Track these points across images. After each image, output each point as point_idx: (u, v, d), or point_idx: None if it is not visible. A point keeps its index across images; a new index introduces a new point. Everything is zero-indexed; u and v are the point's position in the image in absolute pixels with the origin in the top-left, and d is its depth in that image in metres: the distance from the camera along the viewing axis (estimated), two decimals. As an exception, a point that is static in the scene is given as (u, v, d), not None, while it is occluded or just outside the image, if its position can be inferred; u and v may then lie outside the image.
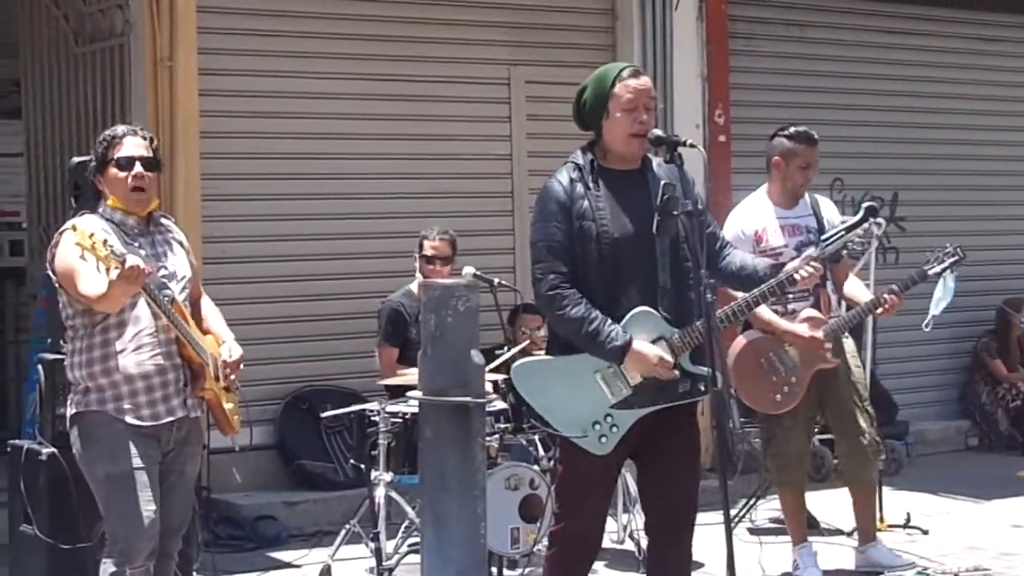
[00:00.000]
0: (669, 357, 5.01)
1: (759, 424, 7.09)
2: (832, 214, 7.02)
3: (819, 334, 6.73)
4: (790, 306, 6.78)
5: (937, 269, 6.93)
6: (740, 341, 6.89)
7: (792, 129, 6.96)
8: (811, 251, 5.40)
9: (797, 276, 5.19)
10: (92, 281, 4.91)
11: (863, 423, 6.94)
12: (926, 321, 7.25)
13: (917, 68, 11.47)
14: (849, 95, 10.95)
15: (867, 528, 7.13)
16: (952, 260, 6.92)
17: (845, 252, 5.92)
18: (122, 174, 5.16)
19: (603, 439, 5.06)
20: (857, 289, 7.05)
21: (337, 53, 9.14)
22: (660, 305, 5.06)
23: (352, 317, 8.96)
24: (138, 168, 5.16)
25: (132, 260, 4.74)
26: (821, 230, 6.83)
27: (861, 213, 5.95)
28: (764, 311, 6.67)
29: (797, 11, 10.95)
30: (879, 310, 6.79)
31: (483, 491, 3.77)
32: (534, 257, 5.11)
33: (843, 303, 7.05)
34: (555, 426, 5.10)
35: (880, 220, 6.96)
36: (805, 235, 6.81)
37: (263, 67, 8.90)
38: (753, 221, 6.85)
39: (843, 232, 5.72)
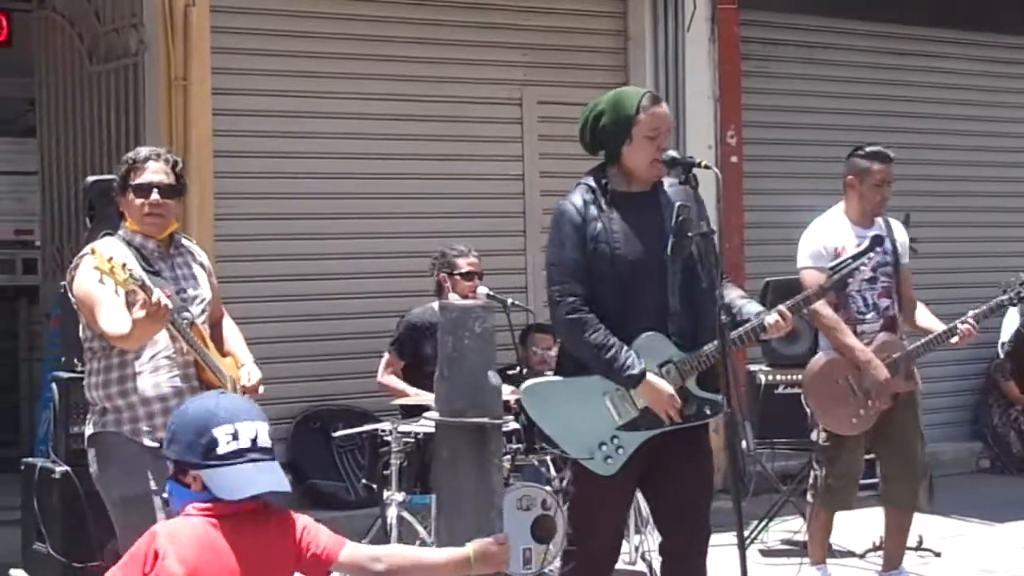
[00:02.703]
0: (676, 406, 5.03)
1: (821, 443, 6.96)
2: (904, 237, 7.03)
3: (887, 375, 6.70)
4: (859, 327, 6.78)
5: (1004, 299, 6.97)
6: (820, 359, 6.86)
7: (867, 148, 6.96)
8: (783, 305, 5.28)
9: (767, 323, 5.13)
10: (114, 319, 4.89)
11: (918, 449, 6.94)
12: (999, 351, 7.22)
13: (930, 90, 11.47)
14: (861, 116, 10.94)
15: (896, 554, 7.08)
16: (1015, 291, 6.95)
17: (851, 280, 5.89)
18: (138, 201, 5.16)
19: (609, 460, 5.08)
20: (926, 318, 7.00)
21: (350, 72, 9.17)
22: (669, 328, 5.07)
23: (364, 336, 8.96)
24: (155, 196, 5.14)
25: (157, 295, 4.72)
26: (895, 252, 6.86)
27: (867, 242, 5.97)
28: (844, 335, 6.70)
29: (811, 33, 10.95)
30: (954, 339, 6.78)
31: (500, 512, 3.78)
32: (550, 279, 5.12)
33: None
34: (563, 447, 5.14)
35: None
36: (882, 255, 6.76)
37: (277, 87, 8.92)
38: (833, 238, 6.82)
39: (850, 261, 5.72)
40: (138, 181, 5.16)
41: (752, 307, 5.20)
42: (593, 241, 5.04)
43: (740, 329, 5.13)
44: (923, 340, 6.85)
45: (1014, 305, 7.06)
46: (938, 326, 6.90)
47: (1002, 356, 7.95)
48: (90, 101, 9.12)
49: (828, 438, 6.87)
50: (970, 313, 6.84)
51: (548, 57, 9.87)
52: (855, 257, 5.81)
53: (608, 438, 5.07)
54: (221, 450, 3.36)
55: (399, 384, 7.62)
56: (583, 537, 5.22)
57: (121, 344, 4.97)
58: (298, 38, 8.99)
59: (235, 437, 3.37)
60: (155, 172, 5.17)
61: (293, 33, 8.97)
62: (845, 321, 6.77)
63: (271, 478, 3.38)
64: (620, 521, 5.41)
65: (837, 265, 5.86)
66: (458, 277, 7.69)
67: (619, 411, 5.08)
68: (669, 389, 5.04)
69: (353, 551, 3.56)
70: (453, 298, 7.58)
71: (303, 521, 3.51)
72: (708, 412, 5.13)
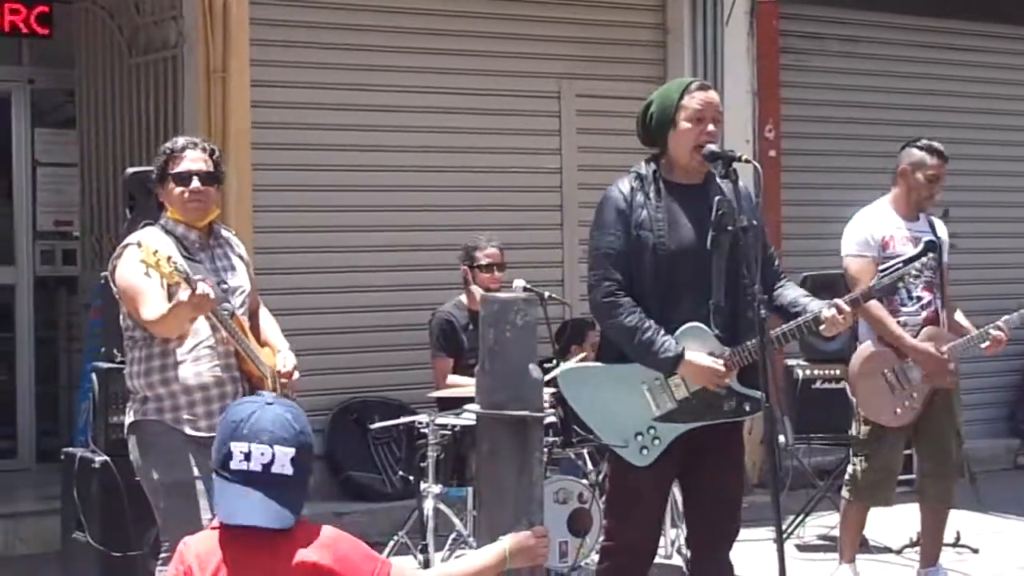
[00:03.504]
0: (723, 368, 4.99)
1: (861, 436, 6.89)
2: (945, 234, 6.99)
3: (945, 353, 6.70)
4: (901, 319, 6.75)
5: None
6: (866, 350, 6.81)
7: (923, 141, 6.96)
8: (844, 298, 5.23)
9: (824, 316, 5.03)
10: (154, 306, 4.94)
11: (955, 446, 6.91)
12: None
13: (970, 84, 11.41)
14: (900, 111, 10.90)
15: (933, 551, 7.04)
16: None
17: (901, 285, 5.86)
18: (179, 189, 5.19)
19: (644, 451, 5.05)
20: (963, 320, 6.97)
21: (388, 65, 9.18)
22: (712, 322, 5.04)
23: (401, 329, 8.98)
24: (195, 183, 5.18)
25: (202, 288, 4.75)
26: (939, 248, 6.80)
27: (920, 247, 5.96)
28: (892, 325, 6.68)
29: (850, 27, 10.91)
30: (984, 344, 6.77)
31: (540, 505, 3.77)
32: (590, 264, 5.11)
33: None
34: (597, 433, 5.13)
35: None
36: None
37: (314, 79, 8.94)
38: (881, 227, 6.78)
39: (900, 265, 5.72)
40: (177, 170, 5.19)
41: (814, 304, 5.13)
42: (637, 228, 5.00)
43: (795, 321, 5.08)
44: (961, 340, 6.82)
45: None
46: (972, 329, 6.88)
47: None
48: (129, 93, 9.15)
49: (869, 431, 6.84)
50: (1003, 319, 6.82)
51: (587, 50, 9.86)
52: (907, 261, 5.79)
53: (645, 428, 5.04)
54: (233, 465, 3.20)
55: (464, 380, 7.20)
56: (620, 530, 5.21)
57: (158, 330, 5.00)
58: (336, 30, 9.01)
59: (247, 458, 3.19)
60: (194, 160, 5.21)
61: (331, 25, 8.99)
62: (888, 312, 6.74)
63: (257, 509, 3.16)
64: (658, 514, 5.38)
65: (888, 268, 5.85)
66: (477, 269, 7.72)
67: (657, 402, 5.06)
68: (710, 363, 4.97)
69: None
70: (475, 290, 7.62)
71: (337, 548, 3.25)
72: (748, 409, 5.08)
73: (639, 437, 5.05)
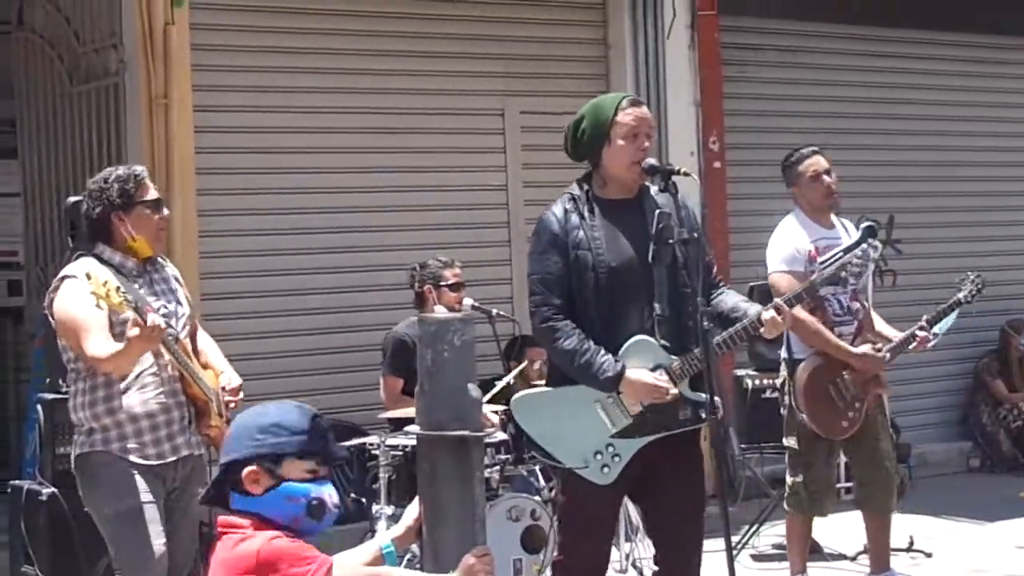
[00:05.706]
0: (665, 383, 5.00)
1: (797, 449, 6.91)
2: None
3: (885, 354, 6.74)
4: (836, 329, 6.77)
5: (961, 296, 7.02)
6: (807, 367, 6.80)
7: (789, 158, 7.02)
8: (779, 299, 5.27)
9: (764, 318, 5.07)
10: (100, 343, 4.90)
11: (889, 451, 6.95)
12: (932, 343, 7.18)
13: (911, 91, 11.49)
14: (843, 119, 10.97)
15: (882, 556, 7.07)
16: (972, 288, 7.03)
17: (844, 274, 5.89)
18: (155, 216, 5.20)
19: (605, 469, 5.05)
20: (882, 326, 7.04)
21: (331, 87, 9.16)
22: (657, 333, 5.05)
23: (351, 350, 8.96)
24: (165, 211, 5.25)
25: (153, 319, 4.73)
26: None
27: (859, 234, 6.00)
28: (831, 336, 6.70)
29: (790, 37, 10.97)
30: (911, 346, 6.85)
31: (483, 524, 3.77)
32: (529, 290, 5.15)
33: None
34: (557, 457, 5.10)
35: (876, 243, 6.96)
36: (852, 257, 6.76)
37: (258, 103, 8.91)
38: (804, 240, 6.77)
39: (840, 254, 5.75)
40: (149, 197, 5.18)
41: (753, 308, 5.17)
42: (575, 249, 5.03)
43: (735, 327, 5.10)
44: (892, 344, 6.86)
45: (969, 303, 7.07)
46: (895, 334, 6.93)
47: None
48: (71, 121, 9.11)
49: (804, 444, 6.85)
50: (924, 317, 6.90)
51: (529, 67, 9.87)
52: (847, 250, 5.82)
53: (603, 447, 5.04)
54: None
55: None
56: (576, 548, 5.19)
57: (108, 367, 4.96)
58: (278, 54, 8.98)
59: None
60: (155, 190, 5.24)
61: (273, 49, 8.96)
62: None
63: None
64: (613, 530, 5.40)
65: (829, 258, 5.87)
66: (445, 288, 7.69)
67: (612, 419, 5.05)
68: (650, 379, 4.98)
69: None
70: (439, 310, 7.57)
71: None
72: (703, 416, 5.07)
73: (599, 456, 5.05)
